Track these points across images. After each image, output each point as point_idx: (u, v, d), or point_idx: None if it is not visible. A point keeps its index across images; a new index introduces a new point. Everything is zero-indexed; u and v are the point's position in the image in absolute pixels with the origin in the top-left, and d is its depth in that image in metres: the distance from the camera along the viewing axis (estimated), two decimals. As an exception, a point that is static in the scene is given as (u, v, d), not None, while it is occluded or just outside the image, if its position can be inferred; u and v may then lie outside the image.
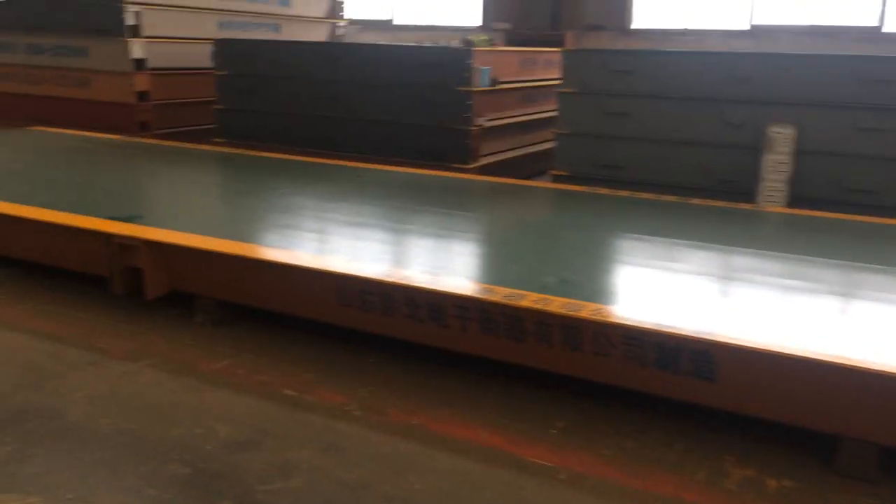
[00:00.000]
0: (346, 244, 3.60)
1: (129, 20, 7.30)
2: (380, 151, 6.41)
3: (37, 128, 7.21)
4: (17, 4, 7.87)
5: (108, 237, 3.55)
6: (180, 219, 3.90)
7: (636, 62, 5.51)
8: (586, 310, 2.65)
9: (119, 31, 7.32)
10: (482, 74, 6.21)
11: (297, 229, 3.82)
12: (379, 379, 2.95)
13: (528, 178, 6.87)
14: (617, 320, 2.60)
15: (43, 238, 3.85)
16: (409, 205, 4.44)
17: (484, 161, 6.39)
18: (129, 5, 7.27)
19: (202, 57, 8.26)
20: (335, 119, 6.64)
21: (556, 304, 2.68)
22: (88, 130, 7.21)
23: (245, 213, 4.06)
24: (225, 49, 7.17)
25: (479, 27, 10.87)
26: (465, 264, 3.34)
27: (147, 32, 7.48)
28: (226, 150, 6.42)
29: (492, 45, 6.82)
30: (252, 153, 6.15)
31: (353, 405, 2.75)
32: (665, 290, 2.99)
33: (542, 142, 7.54)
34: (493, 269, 3.35)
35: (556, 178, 5.86)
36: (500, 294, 2.78)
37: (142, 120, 7.58)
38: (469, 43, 6.44)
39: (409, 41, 10.92)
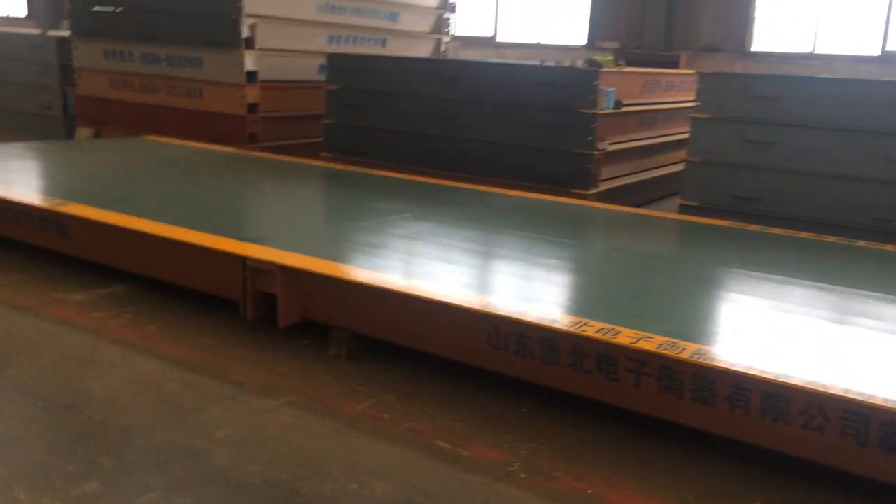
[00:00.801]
0: (492, 280, 3.35)
1: (245, 32, 7.28)
2: (493, 173, 6.17)
3: (151, 137, 7.25)
4: (135, 14, 7.97)
5: (242, 260, 3.39)
6: (310, 242, 3.73)
7: (783, 88, 5.12)
8: (798, 379, 2.32)
9: (233, 42, 7.31)
10: (607, 97, 5.90)
11: (434, 259, 3.60)
12: (539, 434, 2.68)
13: (644, 204, 6.52)
14: (841, 393, 2.25)
15: (171, 256, 3.73)
16: (545, 235, 4.16)
17: (604, 186, 6.07)
18: (246, 18, 7.25)
19: (310, 70, 8.23)
20: (447, 138, 6.43)
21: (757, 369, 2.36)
22: (199, 140, 7.21)
23: (376, 239, 3.85)
24: (337, 63, 7.07)
25: (585, 46, 10.54)
26: (639, 310, 3.04)
27: (260, 45, 7.46)
28: (335, 165, 6.28)
29: (618, 66, 6.51)
30: (363, 170, 6.00)
31: (515, 465, 2.48)
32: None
33: (659, 167, 7.18)
34: (674, 318, 3.04)
35: (685, 209, 5.50)
36: (688, 351, 2.47)
37: (250, 132, 7.55)
38: (594, 63, 6.14)
39: (511, 59, 10.69)
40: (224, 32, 7.34)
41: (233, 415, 2.73)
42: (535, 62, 8.34)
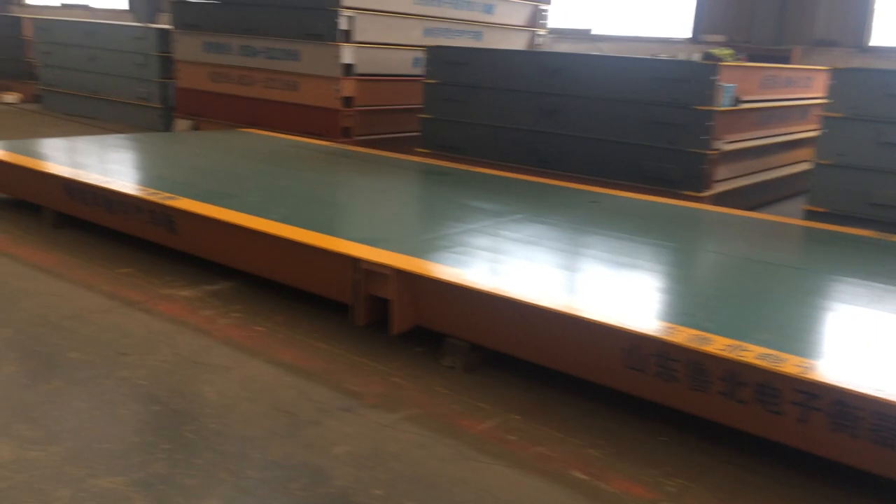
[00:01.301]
0: (623, 291, 3.10)
1: (343, 25, 7.19)
2: (597, 172, 5.89)
3: (247, 130, 7.24)
4: (234, 6, 7.98)
5: (354, 262, 3.24)
6: (422, 244, 3.55)
7: (931, 85, 4.68)
8: None
9: (331, 35, 7.23)
10: (725, 93, 5.54)
11: (555, 266, 3.37)
12: (687, 469, 2.42)
13: (759, 208, 6.12)
14: None
15: (280, 254, 3.61)
16: (668, 242, 3.89)
17: (718, 188, 5.71)
18: (345, 10, 7.15)
19: (405, 64, 8.10)
20: (551, 135, 6.18)
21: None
22: (294, 134, 7.17)
23: (491, 242, 3.65)
24: (437, 56, 6.89)
25: (689, 39, 10.08)
26: (795, 331, 2.75)
27: (357, 38, 7.36)
28: (435, 161, 6.11)
29: (738, 60, 6.12)
30: (463, 167, 5.80)
31: (663, 504, 2.24)
32: None
33: (774, 168, 6.75)
34: (836, 343, 2.73)
35: (812, 215, 5.11)
36: (867, 387, 2.17)
37: (344, 125, 7.47)
38: (712, 57, 5.77)
39: (608, 52, 10.32)
40: (322, 25, 7.26)
41: (351, 429, 2.57)
42: (645, 56, 7.99)
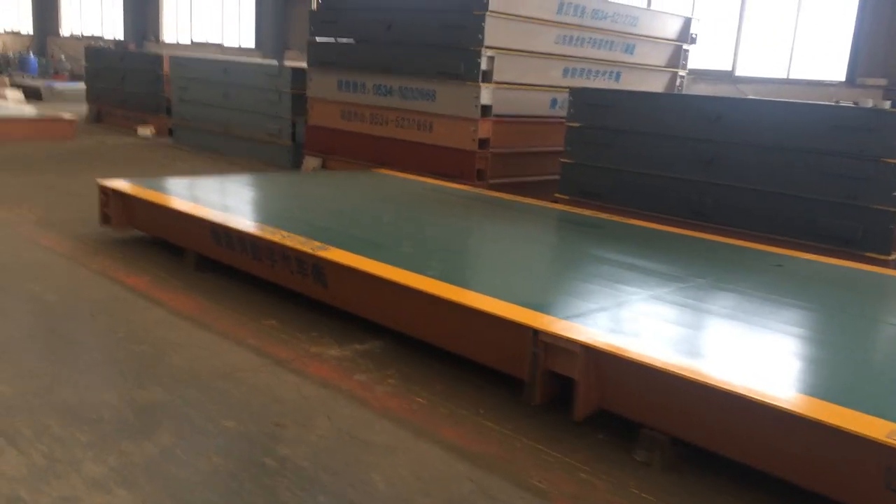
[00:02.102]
0: (867, 388, 2.60)
1: (483, 65, 6.95)
2: (762, 227, 5.34)
3: (380, 170, 7.06)
4: (371, 45, 7.90)
5: (533, 334, 2.87)
6: (603, 315, 3.15)
7: None
8: None
9: (470, 75, 7.00)
10: (920, 144, 4.91)
11: (769, 349, 2.90)
12: None
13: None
14: None
15: (442, 316, 3.29)
16: (886, 318, 3.34)
17: (907, 251, 5.06)
18: (486, 50, 6.91)
19: (542, 105, 7.79)
20: (708, 185, 5.68)
21: None
22: (425, 175, 6.94)
23: (683, 316, 3.21)
24: (581, 98, 6.53)
25: (843, 82, 9.36)
26: None
27: (496, 78, 7.10)
28: (577, 210, 5.70)
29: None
30: (610, 216, 5.38)
31: None
32: None
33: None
34: None
35: None
36: None
37: (479, 167, 7.20)
38: (903, 104, 5.17)
39: (750, 95, 9.71)
40: (461, 65, 7.05)
41: (547, 542, 2.18)
42: (811, 101, 7.39)
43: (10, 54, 24.62)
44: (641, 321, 3.07)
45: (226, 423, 2.76)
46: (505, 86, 7.22)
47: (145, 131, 11.43)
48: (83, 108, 13.21)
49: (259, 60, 10.85)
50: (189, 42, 19.91)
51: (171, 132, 11.28)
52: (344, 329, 3.76)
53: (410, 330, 3.49)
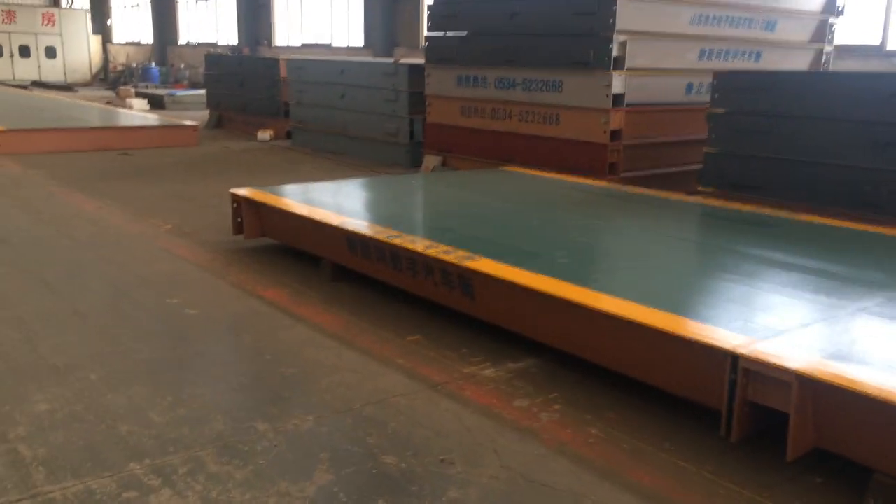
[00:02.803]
0: None
1: (615, 51, 6.51)
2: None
3: (510, 168, 6.75)
4: (491, 38, 7.58)
5: (731, 358, 2.48)
6: (815, 335, 2.71)
7: None
8: None
9: (600, 63, 6.58)
10: None
11: None
12: None
13: None
14: None
15: (613, 335, 2.94)
16: None
17: None
18: (617, 35, 6.47)
19: (677, 91, 7.27)
20: (882, 172, 5.06)
21: None
22: (552, 170, 6.58)
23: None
24: (726, 82, 5.99)
25: None
26: None
27: (628, 64, 6.64)
28: (727, 204, 5.18)
29: None
30: (780, 212, 4.85)
31: None
32: None
33: None
34: None
35: None
36: None
37: (611, 161, 6.77)
38: None
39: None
40: (590, 52, 6.63)
41: None
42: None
43: (134, 65, 25.82)
44: (860, 342, 2.62)
45: (387, 459, 2.52)
46: (637, 72, 6.75)
47: (264, 135, 11.57)
48: (204, 115, 13.56)
49: (375, 59, 10.73)
50: (300, 44, 20.21)
51: (289, 135, 11.36)
52: (494, 345, 3.48)
53: (571, 348, 3.16)
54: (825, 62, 8.48)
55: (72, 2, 31.09)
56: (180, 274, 4.60)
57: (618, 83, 6.60)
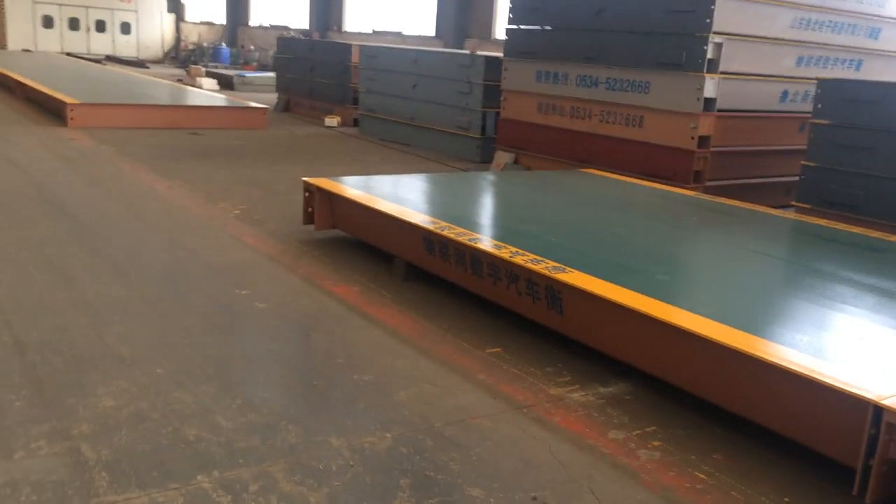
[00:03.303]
0: None
1: (709, 53, 6.15)
2: None
3: (589, 170, 6.45)
4: (576, 33, 7.27)
5: (873, 409, 2.18)
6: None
7: None
8: None
9: (693, 64, 6.23)
10: None
11: None
12: None
13: None
14: None
15: (715, 366, 2.66)
16: None
17: None
18: (713, 35, 6.11)
19: (772, 98, 6.87)
20: None
21: None
22: (632, 174, 6.28)
23: None
24: (832, 91, 5.59)
25: None
26: None
27: (722, 68, 6.28)
28: (823, 221, 4.80)
29: None
30: (878, 233, 4.47)
31: None
32: None
33: None
34: None
35: None
36: None
37: (697, 168, 6.42)
38: None
39: None
40: (683, 53, 6.28)
41: None
42: None
43: (205, 44, 26.10)
44: None
45: (473, 492, 2.29)
46: (732, 76, 6.38)
47: (331, 121, 11.45)
48: (272, 98, 13.53)
49: (450, 50, 10.46)
50: (371, 31, 20.10)
51: (355, 122, 11.23)
52: (581, 364, 3.23)
53: (674, 378, 2.88)
54: (930, 74, 7.94)
55: (148, -21, 31.57)
56: (250, 264, 4.44)
57: (710, 87, 6.24)
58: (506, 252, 3.52)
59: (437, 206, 4.73)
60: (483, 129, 8.86)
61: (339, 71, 11.63)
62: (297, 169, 7.48)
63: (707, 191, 6.33)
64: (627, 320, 2.96)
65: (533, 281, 3.37)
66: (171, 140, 8.86)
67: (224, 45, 25.01)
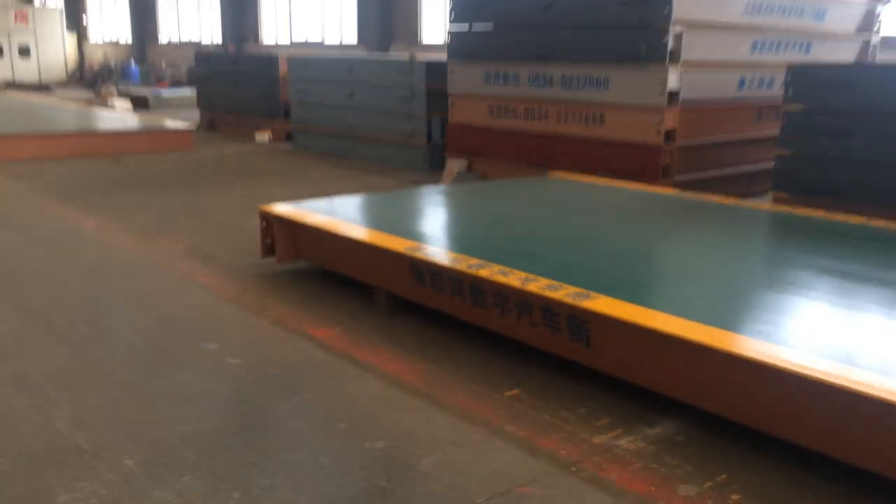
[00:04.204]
0: None
1: (670, 44, 5.90)
2: None
3: (556, 174, 6.11)
4: (525, 30, 6.94)
5: None
6: None
7: None
8: None
9: (654, 56, 5.97)
10: None
11: None
12: None
13: None
14: None
15: (794, 399, 2.32)
16: None
17: None
18: (674, 25, 5.86)
19: (729, 86, 6.70)
20: None
21: None
22: (597, 175, 5.99)
23: None
24: (804, 76, 5.40)
25: None
26: None
27: (684, 58, 6.04)
28: (804, 211, 4.59)
29: None
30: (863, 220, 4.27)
31: None
32: None
33: None
34: None
35: None
36: None
37: (665, 163, 6.16)
38: None
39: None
40: (642, 45, 6.02)
41: None
42: None
43: (112, 63, 24.86)
44: None
45: (551, 591, 1.88)
46: (693, 67, 6.16)
47: (263, 137, 10.85)
48: (193, 115, 12.80)
49: (387, 56, 9.96)
50: (289, 42, 19.41)
51: (289, 137, 10.67)
52: (615, 401, 2.86)
53: (733, 413, 2.53)
54: (871, 53, 7.95)
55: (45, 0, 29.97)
56: (210, 310, 3.91)
57: (673, 78, 6.00)
58: (516, 279, 3.12)
59: (416, 228, 4.29)
60: (429, 136, 8.45)
61: (266, 84, 11.03)
62: (236, 193, 6.94)
63: (676, 186, 6.09)
64: (673, 350, 2.60)
65: (551, 310, 2.97)
66: (91, 170, 8.13)
67: (133, 63, 23.86)
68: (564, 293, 2.93)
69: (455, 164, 7.77)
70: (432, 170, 8.35)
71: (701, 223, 4.45)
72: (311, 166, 8.77)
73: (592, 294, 2.90)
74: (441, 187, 6.14)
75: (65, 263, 4.71)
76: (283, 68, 10.64)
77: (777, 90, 7.02)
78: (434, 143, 8.45)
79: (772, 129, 7.18)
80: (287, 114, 10.68)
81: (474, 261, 3.37)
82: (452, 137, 7.85)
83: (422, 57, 8.89)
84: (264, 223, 4.46)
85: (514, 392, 2.97)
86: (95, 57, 26.59)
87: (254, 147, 10.37)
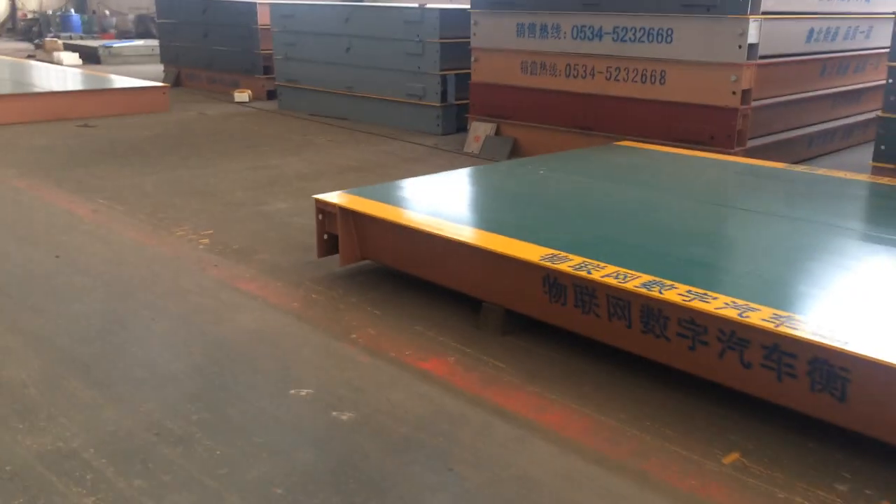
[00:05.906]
0: None
1: (753, -9, 5.15)
2: None
3: (624, 143, 5.36)
4: (569, -25, 6.09)
5: None
6: None
7: None
8: None
9: (730, 5, 5.21)
10: None
11: None
12: None
13: None
14: None
15: None
16: None
17: None
18: (759, -32, 5.10)
19: (796, 39, 6.01)
20: None
21: None
22: (657, 142, 5.31)
23: None
24: (916, 29, 4.73)
25: None
26: None
27: (764, 7, 5.31)
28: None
29: None
30: None
31: None
32: None
33: None
34: None
35: None
36: None
37: (740, 128, 5.46)
38: None
39: None
40: (721, -8, 5.26)
41: None
42: None
43: (49, 12, 22.90)
44: None
45: None
46: (772, 17, 5.43)
47: (242, 96, 9.79)
48: (153, 71, 11.63)
49: (389, 3, 8.88)
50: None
51: (270, 95, 9.65)
52: (878, 471, 2.17)
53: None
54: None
55: (-33, -60, 27.40)
56: (278, 333, 3.08)
57: (753, 31, 5.26)
58: (715, 307, 2.37)
59: (538, 228, 3.35)
60: (444, 95, 7.57)
61: (242, 35, 9.94)
62: (240, 166, 6.03)
63: (748, 154, 5.43)
64: None
65: (782, 350, 2.25)
66: (62, 138, 7.06)
67: (73, 11, 21.99)
68: (804, 330, 2.21)
69: (481, 129, 6.94)
70: (448, 133, 7.53)
71: (846, 203, 3.77)
72: (309, 131, 7.82)
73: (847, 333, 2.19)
74: (514, 163, 5.30)
75: (67, 267, 3.78)
76: (262, 17, 9.56)
77: (840, 42, 6.40)
78: (449, 103, 7.59)
79: (836, 85, 6.59)
80: (267, 69, 9.65)
81: (638, 276, 2.62)
82: (477, 98, 6.99)
83: (432, 3, 7.95)
84: (320, 216, 3.62)
85: (732, 457, 2.26)
86: (29, 5, 24.48)
87: (236, 108, 9.32)
